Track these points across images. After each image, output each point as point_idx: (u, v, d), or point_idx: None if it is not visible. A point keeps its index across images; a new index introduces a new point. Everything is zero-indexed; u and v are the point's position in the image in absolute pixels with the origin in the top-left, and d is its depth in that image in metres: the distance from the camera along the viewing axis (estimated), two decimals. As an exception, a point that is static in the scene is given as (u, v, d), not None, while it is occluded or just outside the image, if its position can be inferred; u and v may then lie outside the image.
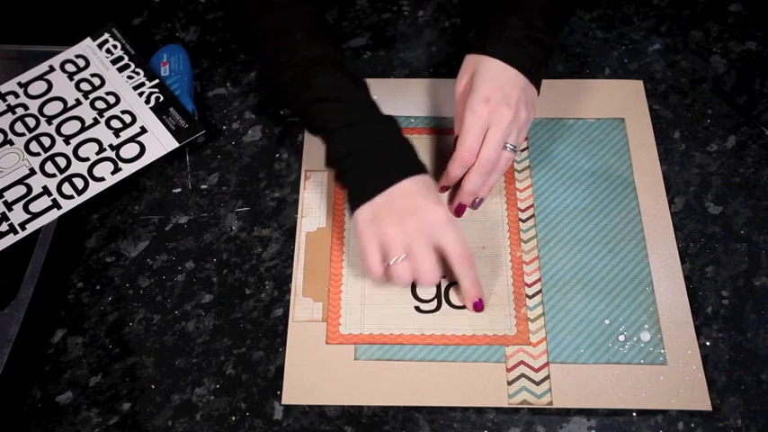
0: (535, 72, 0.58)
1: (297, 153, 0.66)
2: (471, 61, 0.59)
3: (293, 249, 0.61)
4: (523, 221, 0.61)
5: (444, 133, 0.66)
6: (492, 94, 0.56)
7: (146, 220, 0.63)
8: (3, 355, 0.53)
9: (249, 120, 0.68)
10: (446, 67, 0.71)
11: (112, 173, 0.62)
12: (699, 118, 0.67)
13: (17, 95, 0.67)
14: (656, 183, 0.63)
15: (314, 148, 0.66)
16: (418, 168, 0.55)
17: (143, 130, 0.65)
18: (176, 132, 0.65)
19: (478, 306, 0.56)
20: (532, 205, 0.62)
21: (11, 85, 0.67)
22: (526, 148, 0.65)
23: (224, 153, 0.66)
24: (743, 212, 0.62)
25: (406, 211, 0.53)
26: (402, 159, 0.56)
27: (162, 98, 0.66)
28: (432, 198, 0.54)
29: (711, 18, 0.73)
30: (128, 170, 0.63)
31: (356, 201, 0.55)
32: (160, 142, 0.64)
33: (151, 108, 0.66)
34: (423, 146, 0.65)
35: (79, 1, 0.76)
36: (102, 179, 0.62)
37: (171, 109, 0.65)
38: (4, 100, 0.66)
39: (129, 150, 0.64)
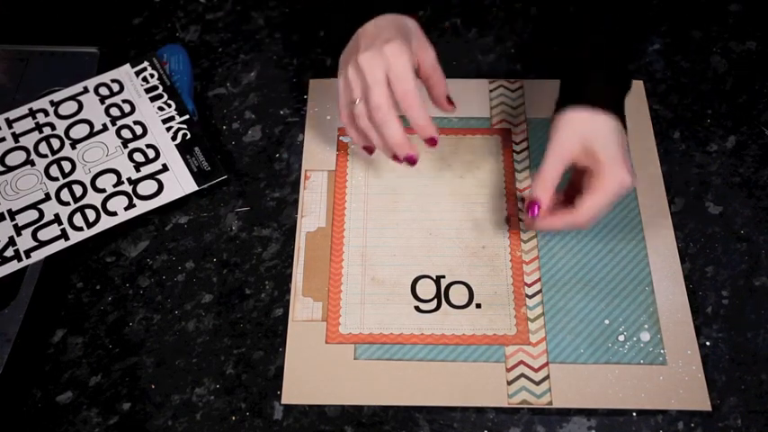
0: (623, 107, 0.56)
1: (297, 153, 0.66)
2: (575, 121, 0.54)
3: (293, 249, 0.61)
4: (523, 221, 0.61)
5: (444, 134, 0.66)
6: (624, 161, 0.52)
7: (146, 220, 0.63)
8: (3, 355, 0.53)
9: (249, 120, 0.68)
10: (446, 68, 0.70)
11: (126, 208, 0.61)
12: (699, 118, 0.67)
13: (47, 114, 0.65)
14: (656, 183, 0.63)
15: (314, 148, 0.66)
16: (391, 9, 0.55)
17: (164, 168, 0.63)
18: (198, 175, 0.63)
19: (432, 143, 0.56)
20: (532, 205, 0.62)
21: (43, 102, 0.66)
22: (526, 149, 0.65)
23: (224, 153, 0.66)
24: (743, 212, 0.62)
25: (363, 49, 0.53)
26: (378, 4, 0.56)
27: (189, 135, 0.64)
28: (390, 33, 0.53)
29: (711, 18, 0.73)
30: (142, 207, 0.61)
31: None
32: (179, 183, 0.62)
33: (177, 145, 0.64)
34: (422, 146, 0.65)
35: (79, 1, 0.76)
36: (114, 213, 0.60)
37: (196, 149, 0.63)
38: (34, 117, 0.65)
39: (147, 187, 0.62)
